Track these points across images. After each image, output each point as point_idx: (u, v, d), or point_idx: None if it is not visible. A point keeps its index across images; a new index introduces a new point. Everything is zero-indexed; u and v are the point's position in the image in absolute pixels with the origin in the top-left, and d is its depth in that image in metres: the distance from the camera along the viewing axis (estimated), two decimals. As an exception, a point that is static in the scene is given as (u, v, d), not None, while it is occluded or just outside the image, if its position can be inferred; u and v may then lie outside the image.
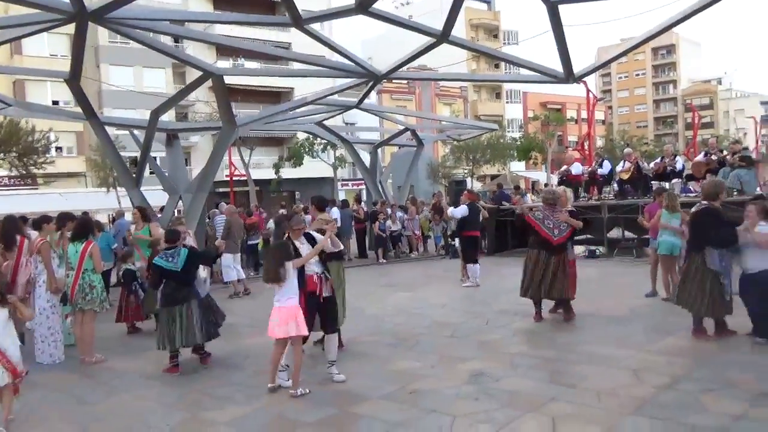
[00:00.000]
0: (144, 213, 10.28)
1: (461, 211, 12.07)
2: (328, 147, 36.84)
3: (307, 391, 5.74)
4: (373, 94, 22.06)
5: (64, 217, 8.12)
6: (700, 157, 15.54)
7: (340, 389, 5.85)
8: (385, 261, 16.95)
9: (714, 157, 14.46)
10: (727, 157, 14.23)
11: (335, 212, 16.29)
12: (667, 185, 16.07)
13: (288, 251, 5.89)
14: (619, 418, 4.77)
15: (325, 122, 20.61)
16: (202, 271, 7.72)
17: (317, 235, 6.28)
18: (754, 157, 15.40)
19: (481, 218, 12.81)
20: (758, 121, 49.43)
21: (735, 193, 13.79)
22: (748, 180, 13.64)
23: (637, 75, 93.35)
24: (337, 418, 5.14)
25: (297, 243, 6.10)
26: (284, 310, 5.75)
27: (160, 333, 6.78)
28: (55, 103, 32.61)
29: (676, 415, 4.73)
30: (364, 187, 30.03)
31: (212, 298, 7.64)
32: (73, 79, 12.53)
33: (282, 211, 16.54)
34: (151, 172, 18.33)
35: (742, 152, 14.29)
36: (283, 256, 5.80)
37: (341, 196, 36.80)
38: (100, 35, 36.08)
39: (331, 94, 16.20)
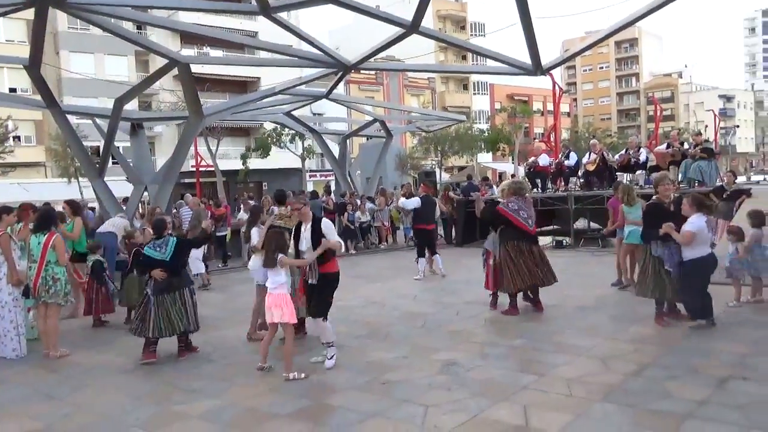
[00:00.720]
0: (74, 206, 9.84)
1: (413, 202, 12.04)
2: (297, 137, 36.62)
3: (303, 375, 5.87)
4: (341, 85, 21.95)
5: (26, 208, 7.91)
6: (661, 148, 15.88)
7: (312, 381, 5.84)
8: (354, 252, 16.94)
9: (677, 147, 14.79)
10: (689, 149, 14.57)
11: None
12: (631, 177, 16.43)
13: (283, 242, 6.11)
14: (589, 405, 4.86)
15: (294, 112, 20.46)
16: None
17: (327, 224, 6.23)
18: (714, 149, 15.75)
19: (438, 213, 12.80)
20: (717, 114, 50.64)
21: (696, 184, 14.15)
22: (709, 171, 14.00)
23: (601, 68, 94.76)
24: (311, 410, 5.14)
25: (302, 228, 6.25)
26: (272, 298, 6.01)
27: (142, 321, 6.70)
28: (12, 90, 31.67)
29: (643, 402, 4.85)
30: (333, 178, 29.96)
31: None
32: (33, 66, 12.19)
33: (251, 202, 16.37)
34: (114, 162, 17.99)
35: (703, 144, 14.65)
36: (281, 245, 6.05)
37: (310, 187, 36.66)
38: (59, 21, 35.11)
39: (300, 84, 16.07)
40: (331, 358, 6.23)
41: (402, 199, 12.54)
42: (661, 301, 7.26)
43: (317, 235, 6.12)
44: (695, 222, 6.86)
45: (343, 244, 6.23)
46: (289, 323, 6.03)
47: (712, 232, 7.30)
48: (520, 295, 8.48)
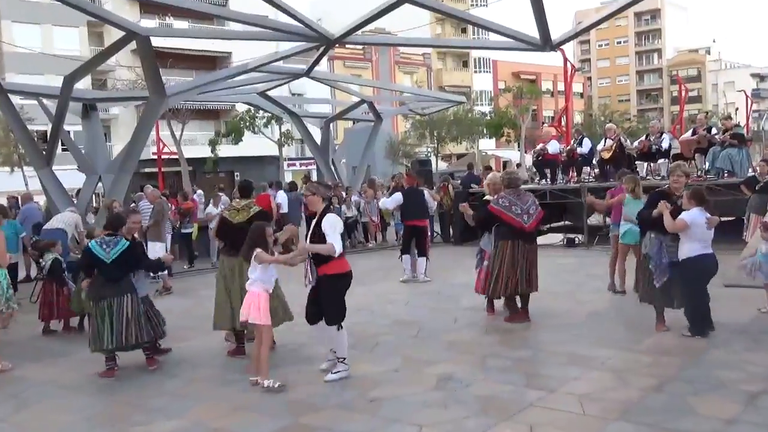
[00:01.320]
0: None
1: (394, 201, 12.08)
2: (273, 121, 36.50)
3: (276, 385, 5.95)
4: (324, 61, 21.91)
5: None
6: (687, 135, 15.95)
7: (291, 398, 5.84)
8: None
9: (704, 133, 14.84)
10: (717, 135, 14.63)
11: (281, 196, 16.19)
12: (653, 166, 16.50)
13: (262, 237, 6.14)
14: (603, 424, 4.89)
15: (269, 92, 20.40)
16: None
17: (331, 219, 6.14)
18: (745, 135, 15.84)
19: (434, 205, 12.75)
20: (749, 95, 51.04)
21: (726, 174, 14.24)
22: (740, 160, 14.07)
23: (619, 43, 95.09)
24: (289, 431, 5.13)
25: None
26: (247, 295, 6.17)
27: (90, 332, 6.77)
28: (-54, 66, 31.41)
29: (663, 420, 4.88)
30: (314, 167, 29.92)
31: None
32: (-31, 38, 12.06)
33: (221, 194, 16.31)
34: (64, 149, 17.88)
35: (733, 130, 14.71)
36: (256, 238, 6.13)
37: (288, 177, 36.54)
38: (0, -13, 34.81)
39: (276, 61, 16.03)
40: (337, 372, 6.21)
41: (382, 200, 12.47)
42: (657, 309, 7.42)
43: (318, 231, 6.11)
44: (693, 212, 6.97)
45: (338, 248, 6.03)
46: (263, 325, 6.07)
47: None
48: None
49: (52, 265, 9.08)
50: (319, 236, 6.08)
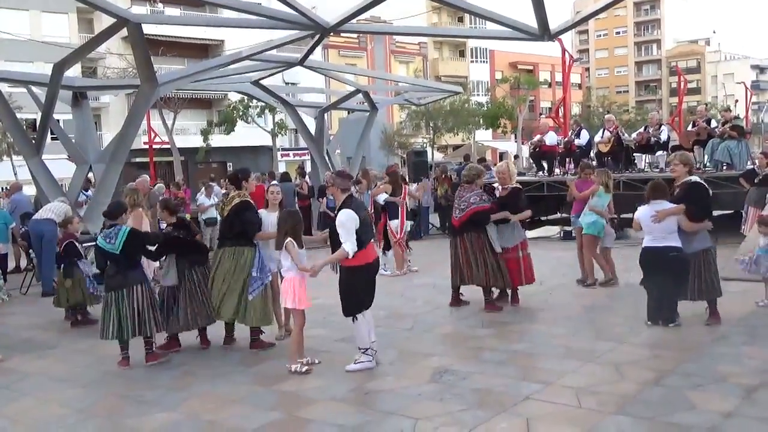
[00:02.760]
0: None
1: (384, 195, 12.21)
2: (266, 111, 36.42)
3: (303, 370, 6.18)
4: (318, 50, 21.79)
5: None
6: (690, 129, 15.99)
7: (285, 391, 5.86)
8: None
9: (704, 125, 14.88)
10: (717, 128, 14.67)
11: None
12: (651, 159, 16.54)
13: (295, 225, 6.37)
14: (600, 417, 4.92)
15: (263, 81, 20.30)
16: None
17: (342, 218, 6.12)
18: (745, 127, 15.90)
19: (418, 195, 12.86)
20: (749, 87, 51.12)
21: (725, 166, 14.29)
22: (739, 152, 14.13)
23: (618, 33, 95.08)
24: (281, 424, 5.16)
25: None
26: (284, 282, 6.42)
27: (101, 321, 6.86)
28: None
29: (661, 414, 4.92)
30: (308, 157, 29.87)
31: None
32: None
33: (212, 184, 16.30)
34: (54, 138, 17.79)
35: (733, 121, 14.76)
36: (288, 227, 6.34)
37: (281, 167, 36.57)
38: (-13, -28, 34.57)
39: (270, 49, 15.94)
40: (359, 363, 6.28)
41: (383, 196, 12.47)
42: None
43: (333, 229, 6.22)
44: (642, 209, 7.35)
45: (350, 250, 6.03)
46: (297, 309, 6.33)
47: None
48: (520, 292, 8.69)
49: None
50: (335, 235, 6.19)
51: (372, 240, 6.47)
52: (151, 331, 6.82)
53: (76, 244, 9.08)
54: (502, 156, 48.86)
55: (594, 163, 16.83)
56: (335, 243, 6.19)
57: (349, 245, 6.04)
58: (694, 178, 7.41)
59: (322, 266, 6.23)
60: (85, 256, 9.12)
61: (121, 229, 6.86)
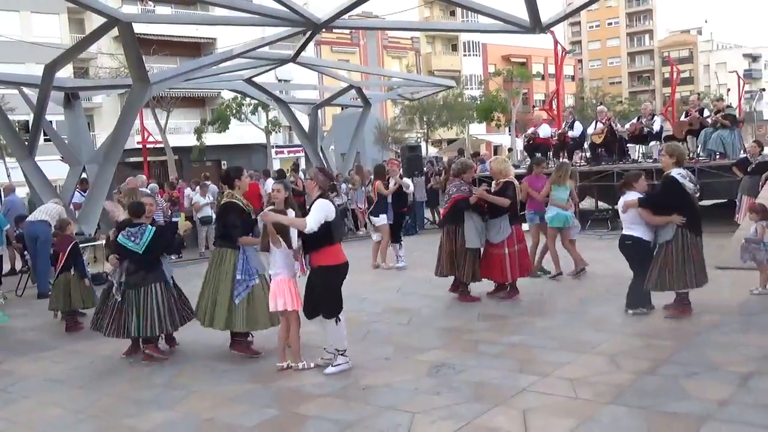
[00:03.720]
0: None
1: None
2: (260, 108, 36.34)
3: (312, 365, 6.22)
4: (311, 46, 21.80)
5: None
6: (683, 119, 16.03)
7: (282, 387, 5.87)
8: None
9: (696, 114, 14.91)
10: (709, 118, 14.70)
11: (270, 184, 16.15)
12: (644, 149, 16.57)
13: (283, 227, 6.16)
14: (596, 408, 4.95)
15: (255, 79, 20.27)
16: None
17: (317, 204, 6.06)
18: (737, 116, 15.93)
19: (411, 193, 12.91)
20: (741, 76, 51.16)
21: (718, 156, 14.33)
22: (731, 141, 14.17)
23: (610, 24, 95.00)
24: (278, 421, 5.17)
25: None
26: (273, 284, 6.33)
27: (110, 318, 6.98)
28: None
29: (656, 403, 4.94)
30: (302, 154, 29.85)
31: None
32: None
33: (207, 182, 16.28)
34: (47, 139, 17.76)
35: (726, 110, 14.78)
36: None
37: (276, 165, 36.53)
38: (-24, -27, 34.42)
39: (262, 46, 15.93)
40: (338, 365, 6.13)
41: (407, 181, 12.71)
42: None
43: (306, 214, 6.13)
44: (620, 201, 7.70)
45: (309, 225, 5.88)
46: (294, 309, 6.24)
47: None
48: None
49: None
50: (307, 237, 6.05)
51: (341, 242, 6.31)
52: (168, 328, 6.98)
53: (78, 246, 9.18)
54: (496, 149, 48.81)
55: (588, 154, 16.91)
56: (308, 245, 6.09)
57: (311, 220, 5.91)
58: (676, 171, 7.25)
59: (276, 219, 6.06)
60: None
61: (147, 228, 6.94)
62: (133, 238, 6.86)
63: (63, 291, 8.63)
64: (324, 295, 6.12)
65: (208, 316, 6.77)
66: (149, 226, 7.01)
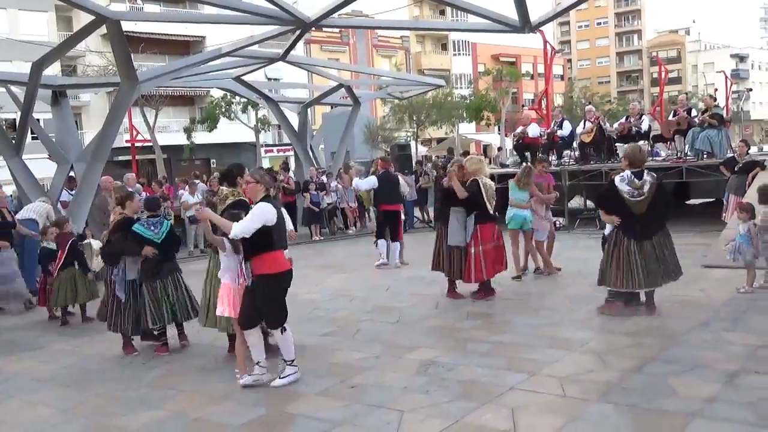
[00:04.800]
0: None
1: (369, 183, 12.16)
2: (249, 107, 36.26)
3: (248, 379, 5.84)
4: (300, 45, 21.77)
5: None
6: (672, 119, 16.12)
7: (271, 386, 5.85)
8: (320, 239, 16.95)
9: (684, 114, 15.00)
10: (696, 118, 14.78)
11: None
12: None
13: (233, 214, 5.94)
14: (584, 406, 4.97)
15: (245, 77, 20.24)
16: None
17: (257, 207, 5.70)
18: (724, 115, 16.03)
19: (407, 191, 12.94)
20: (728, 75, 51.49)
21: (705, 155, 14.42)
22: (719, 141, 14.26)
23: (599, 24, 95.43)
24: (268, 420, 5.16)
25: None
26: (221, 288, 6.15)
27: (125, 315, 7.09)
28: None
29: (644, 401, 4.97)
30: (292, 153, 29.79)
31: None
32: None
33: (196, 181, 16.23)
34: (34, 137, 17.65)
35: (713, 109, 14.87)
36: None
37: (265, 163, 36.44)
38: (-38, -30, 34.19)
39: (251, 45, 15.90)
40: (286, 377, 5.82)
41: (355, 180, 12.51)
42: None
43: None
44: None
45: (236, 231, 5.54)
46: (235, 318, 5.93)
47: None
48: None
49: (40, 252, 9.44)
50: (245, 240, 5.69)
51: (285, 249, 5.95)
52: (184, 318, 7.17)
53: (77, 243, 9.26)
54: (485, 148, 48.90)
55: (576, 153, 16.98)
56: (246, 251, 5.73)
57: (240, 225, 5.55)
58: (620, 175, 7.32)
59: (208, 216, 5.87)
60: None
61: (164, 221, 7.25)
62: (153, 228, 7.03)
63: (69, 286, 8.75)
64: (266, 305, 5.75)
65: (210, 315, 6.77)
66: (166, 220, 7.33)
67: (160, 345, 7.15)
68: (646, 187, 7.19)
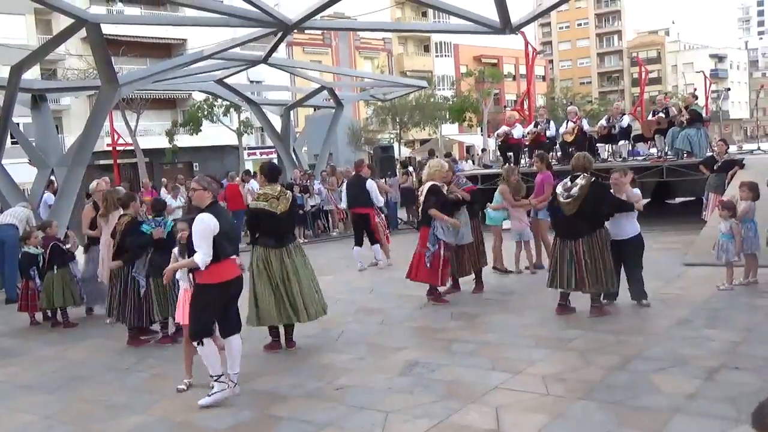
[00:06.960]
0: None
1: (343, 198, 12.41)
2: (231, 109, 36.13)
3: (183, 386, 5.89)
4: (282, 47, 21.74)
5: None
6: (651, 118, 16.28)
7: (255, 389, 5.85)
8: (305, 241, 16.88)
9: (662, 115, 15.15)
10: (674, 117, 14.92)
11: (254, 185, 16.10)
12: (614, 148, 16.78)
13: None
14: (568, 404, 5.01)
15: (227, 80, 20.18)
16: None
17: (198, 225, 5.42)
18: (702, 114, 16.19)
19: (379, 197, 12.94)
20: (708, 75, 52.03)
21: (685, 155, 14.57)
22: (698, 140, 14.40)
23: (579, 25, 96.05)
24: (252, 423, 5.16)
25: None
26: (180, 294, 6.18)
27: (132, 308, 7.47)
28: None
29: (627, 398, 5.02)
30: (275, 155, 29.75)
31: None
32: None
33: (178, 185, 16.14)
34: (13, 142, 17.49)
35: (692, 106, 15.00)
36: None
37: (248, 166, 36.25)
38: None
39: (233, 47, 15.86)
40: (212, 394, 5.48)
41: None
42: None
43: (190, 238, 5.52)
44: None
45: (200, 261, 5.33)
46: (185, 324, 5.85)
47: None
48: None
49: (21, 257, 9.28)
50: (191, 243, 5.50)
51: (235, 256, 5.66)
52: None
53: (60, 245, 9.18)
54: (468, 149, 49.11)
55: (559, 153, 17.08)
56: (191, 252, 5.50)
57: (200, 255, 5.32)
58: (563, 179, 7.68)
59: (170, 271, 5.77)
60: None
61: (168, 222, 7.57)
62: (161, 228, 7.41)
63: (55, 289, 8.74)
64: (192, 313, 5.53)
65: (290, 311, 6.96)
66: (167, 219, 7.61)
67: (162, 337, 7.62)
68: (575, 190, 7.37)
